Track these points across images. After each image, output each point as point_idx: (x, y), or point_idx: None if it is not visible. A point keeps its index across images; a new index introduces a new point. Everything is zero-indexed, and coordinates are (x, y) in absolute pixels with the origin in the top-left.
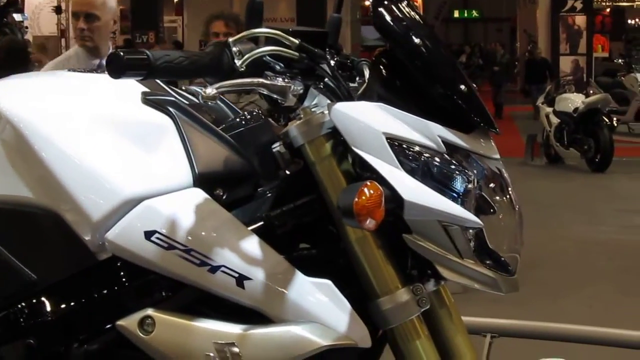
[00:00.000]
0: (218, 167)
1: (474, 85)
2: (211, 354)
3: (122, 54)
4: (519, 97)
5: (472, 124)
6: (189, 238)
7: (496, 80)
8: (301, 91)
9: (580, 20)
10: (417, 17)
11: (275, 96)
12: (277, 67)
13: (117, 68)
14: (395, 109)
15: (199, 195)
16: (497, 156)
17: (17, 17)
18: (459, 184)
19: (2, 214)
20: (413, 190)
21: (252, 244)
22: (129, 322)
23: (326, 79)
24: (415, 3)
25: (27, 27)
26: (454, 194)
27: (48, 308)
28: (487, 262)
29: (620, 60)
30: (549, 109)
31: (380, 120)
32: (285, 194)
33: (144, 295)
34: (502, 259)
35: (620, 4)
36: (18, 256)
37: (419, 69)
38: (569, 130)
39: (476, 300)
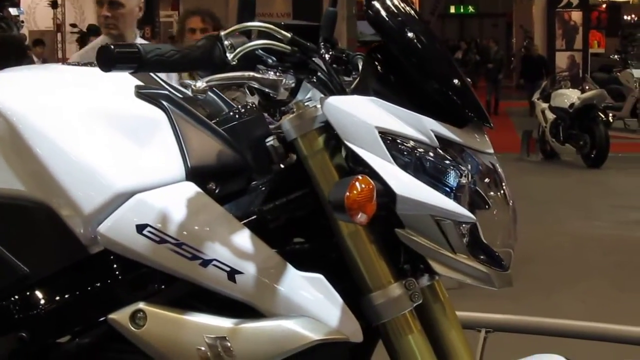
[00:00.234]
0: (211, 160)
1: (469, 80)
2: (202, 348)
3: (112, 47)
4: (515, 93)
5: (466, 119)
6: (181, 232)
7: (491, 76)
8: (293, 85)
9: (576, 16)
10: (412, 12)
11: (266, 90)
12: (270, 61)
13: (107, 61)
14: (388, 103)
15: (192, 189)
16: (491, 151)
17: (13, 11)
18: (452, 179)
19: None
20: (405, 185)
21: (244, 238)
22: (121, 316)
23: (319, 73)
24: None
25: (23, 22)
26: (447, 189)
27: (40, 301)
28: (481, 257)
29: (616, 56)
30: (545, 105)
31: (373, 114)
32: (279, 188)
33: (136, 289)
34: (496, 254)
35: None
36: (10, 249)
37: (413, 65)
38: (564, 126)
39: (471, 296)
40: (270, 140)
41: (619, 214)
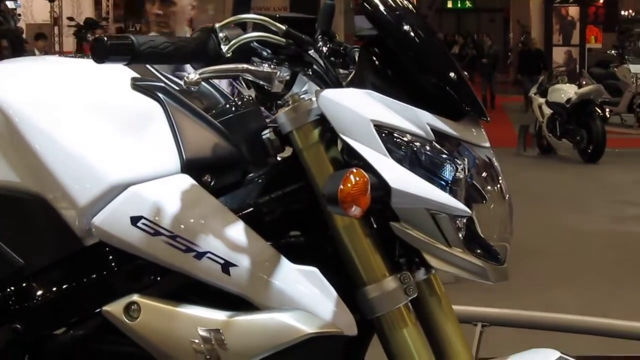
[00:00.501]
0: (206, 153)
1: (465, 74)
2: (196, 340)
3: (105, 39)
4: (512, 88)
5: (462, 112)
6: (175, 224)
7: (485, 71)
8: (287, 77)
9: (573, 11)
10: (409, 6)
11: (261, 82)
12: (264, 54)
13: (100, 53)
14: (384, 96)
15: (186, 181)
16: (488, 144)
17: (10, 4)
18: (447, 172)
19: None
20: (400, 178)
21: (239, 231)
22: (115, 308)
23: (314, 66)
24: None
25: (20, 15)
26: (443, 182)
27: (34, 293)
28: (477, 251)
29: (613, 52)
30: (542, 100)
31: (368, 107)
32: (274, 181)
33: (130, 281)
34: (492, 247)
35: None
36: (5, 241)
37: (410, 58)
38: (561, 121)
39: (467, 290)
40: (267, 133)
41: (615, 209)
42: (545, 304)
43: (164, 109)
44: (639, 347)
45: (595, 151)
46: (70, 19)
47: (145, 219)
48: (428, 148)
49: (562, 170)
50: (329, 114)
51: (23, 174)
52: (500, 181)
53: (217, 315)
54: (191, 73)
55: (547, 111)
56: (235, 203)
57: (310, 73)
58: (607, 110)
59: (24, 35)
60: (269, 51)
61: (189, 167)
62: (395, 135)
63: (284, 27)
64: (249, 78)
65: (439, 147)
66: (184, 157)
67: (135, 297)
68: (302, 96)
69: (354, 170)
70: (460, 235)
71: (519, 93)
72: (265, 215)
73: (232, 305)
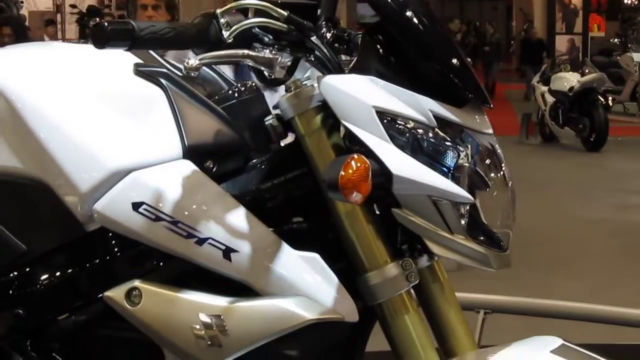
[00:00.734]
0: (208, 139)
1: (469, 60)
2: (197, 326)
3: (106, 24)
4: (514, 76)
5: (465, 99)
6: (177, 210)
7: (487, 60)
8: (289, 63)
9: None
10: None
11: (262, 68)
12: (266, 40)
13: (100, 38)
14: (386, 82)
15: (188, 167)
16: (491, 131)
17: None
18: (449, 159)
19: None
20: (402, 164)
21: (240, 217)
22: (116, 293)
23: (316, 52)
24: None
25: (22, 2)
26: (445, 169)
27: (37, 278)
28: (480, 238)
29: (616, 40)
30: (545, 88)
31: (370, 93)
32: (277, 167)
33: (132, 266)
34: (495, 234)
35: None
36: (7, 226)
37: (413, 45)
38: (564, 109)
39: (470, 277)
40: (269, 119)
41: (617, 197)
42: (548, 291)
43: (166, 95)
44: None
45: (597, 139)
46: (73, 6)
47: (147, 204)
48: (430, 134)
49: (564, 159)
50: (331, 100)
51: (25, 159)
52: (503, 168)
53: (218, 301)
54: (191, 58)
55: (550, 99)
56: (237, 189)
57: (312, 59)
58: (610, 98)
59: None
60: (271, 37)
61: (191, 153)
62: (397, 121)
63: (285, 13)
64: (250, 64)
65: (441, 133)
66: (186, 143)
67: (137, 283)
68: (304, 82)
69: (355, 156)
70: (462, 222)
71: (521, 81)
72: (267, 202)
73: (233, 291)
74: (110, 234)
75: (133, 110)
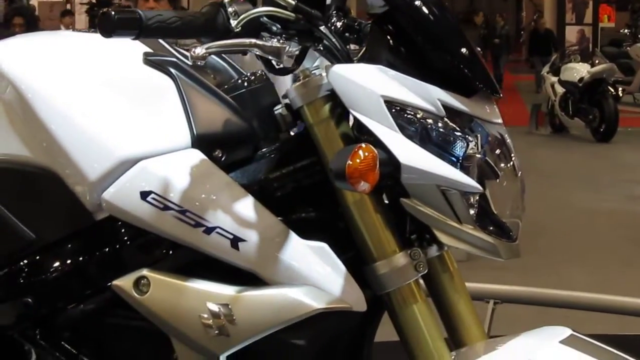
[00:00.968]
0: (217, 128)
1: (478, 49)
2: (205, 315)
3: (113, 13)
4: (524, 66)
5: (475, 89)
6: (185, 199)
7: (496, 52)
8: (297, 53)
9: None
10: None
11: (269, 57)
12: (274, 29)
13: (107, 27)
14: (394, 71)
15: (197, 156)
16: (500, 121)
17: None
18: (458, 149)
19: (1, 173)
20: (410, 154)
21: (248, 206)
22: (124, 282)
23: (325, 41)
24: None
25: None
26: (453, 159)
27: (45, 267)
28: (490, 228)
29: (626, 31)
30: (554, 79)
31: (378, 82)
32: (286, 156)
33: (140, 255)
34: (505, 224)
35: None
36: (17, 215)
37: (422, 35)
38: (574, 100)
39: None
40: (279, 109)
41: (627, 188)
42: (557, 281)
43: (175, 84)
44: None
45: (607, 130)
46: None
47: (155, 193)
48: (439, 124)
49: (574, 149)
50: (339, 89)
51: (34, 148)
52: (513, 158)
53: (226, 290)
54: (198, 47)
55: (560, 90)
56: (246, 178)
57: (321, 48)
58: (620, 89)
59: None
60: (279, 26)
61: (200, 142)
62: (406, 111)
63: (293, 2)
64: (257, 53)
65: (450, 123)
66: (195, 132)
67: (145, 272)
68: (313, 71)
69: (363, 145)
70: (471, 211)
71: (531, 72)
72: (276, 191)
73: (241, 280)
74: (119, 223)
75: (142, 100)
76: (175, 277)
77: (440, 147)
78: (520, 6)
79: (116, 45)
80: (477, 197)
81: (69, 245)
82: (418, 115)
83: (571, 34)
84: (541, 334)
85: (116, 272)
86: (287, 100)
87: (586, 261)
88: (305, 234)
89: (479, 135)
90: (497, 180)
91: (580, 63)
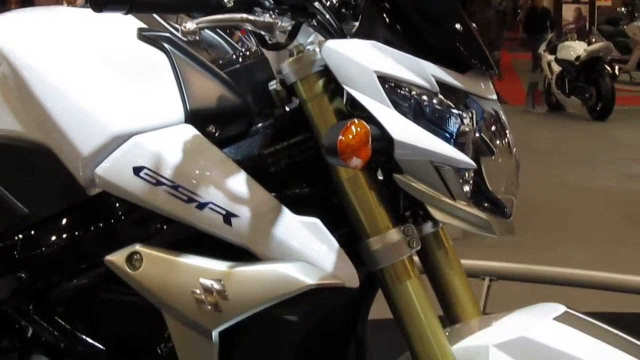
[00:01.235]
0: (211, 103)
1: (474, 25)
2: (197, 291)
3: None
4: (520, 45)
5: (470, 65)
6: (177, 174)
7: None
8: (289, 28)
9: None
10: None
11: (262, 32)
12: (267, 4)
13: (98, 2)
14: (388, 47)
15: (190, 131)
16: (494, 97)
17: None
18: (452, 125)
19: None
20: (403, 130)
21: (241, 182)
22: (117, 258)
23: (318, 16)
24: None
25: None
26: (447, 135)
27: (39, 242)
28: (485, 204)
29: (623, 9)
30: (551, 57)
31: (371, 58)
32: (280, 132)
33: (133, 231)
34: (500, 201)
35: None
36: (10, 190)
37: (416, 10)
38: (570, 78)
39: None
40: (273, 84)
41: (623, 166)
42: (553, 259)
43: (169, 60)
44: None
45: (604, 109)
46: None
47: (148, 169)
48: (432, 100)
49: (570, 128)
50: (332, 64)
51: (28, 123)
52: (508, 134)
53: (219, 266)
54: (188, 22)
55: (556, 68)
56: (239, 154)
57: (315, 24)
58: (616, 67)
59: None
60: (271, 1)
61: (193, 117)
62: (400, 87)
63: None
64: (249, 28)
65: (444, 99)
66: (188, 107)
67: (138, 247)
68: (306, 47)
69: (355, 121)
70: (466, 188)
71: (528, 50)
72: (270, 167)
73: (234, 256)
74: (112, 198)
75: (136, 75)
76: (168, 253)
77: (434, 123)
78: None
79: (111, 20)
80: (472, 174)
81: (63, 221)
82: (412, 91)
83: (568, 12)
84: (535, 310)
85: (109, 247)
86: (282, 76)
87: (582, 239)
88: (298, 210)
89: (474, 112)
90: (492, 157)
91: (577, 41)
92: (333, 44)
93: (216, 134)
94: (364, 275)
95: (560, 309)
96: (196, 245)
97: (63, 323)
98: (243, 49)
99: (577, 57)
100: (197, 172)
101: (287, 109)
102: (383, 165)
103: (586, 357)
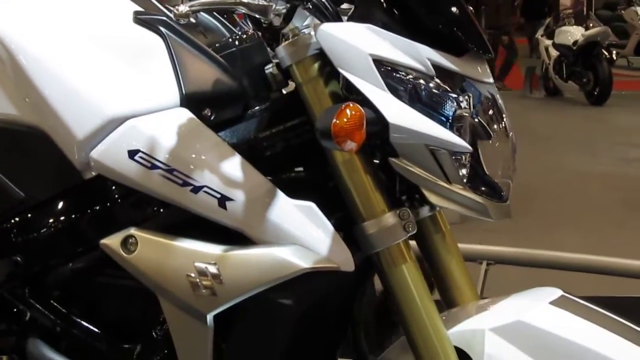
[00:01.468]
0: (207, 87)
1: (470, 9)
2: (192, 274)
3: None
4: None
5: (466, 49)
6: (172, 158)
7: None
8: (284, 10)
9: None
10: None
11: (256, 15)
12: None
13: None
14: (384, 30)
15: (185, 115)
16: (491, 80)
17: None
18: (448, 108)
19: None
20: (399, 113)
21: (236, 165)
22: (112, 241)
23: None
24: None
25: None
26: (443, 118)
27: (34, 226)
28: (482, 188)
29: None
30: (549, 42)
31: (367, 41)
32: (276, 115)
33: (128, 214)
34: (496, 184)
35: None
36: (5, 174)
37: None
38: (568, 63)
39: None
40: (269, 68)
41: (620, 151)
42: (551, 243)
43: (165, 43)
44: None
45: (601, 94)
46: None
47: (143, 152)
48: (428, 84)
49: (568, 112)
50: (328, 48)
51: (23, 106)
52: (504, 118)
53: (214, 249)
54: (182, 5)
55: (554, 53)
56: (235, 137)
57: (310, 7)
58: (614, 52)
59: None
60: None
61: (189, 100)
62: (395, 70)
63: None
64: (243, 11)
65: (440, 83)
66: (184, 91)
67: (133, 231)
68: (302, 30)
69: (350, 104)
70: (463, 171)
71: (525, 35)
72: (265, 150)
73: (229, 239)
74: (107, 182)
75: (131, 58)
76: (163, 236)
77: (430, 106)
78: None
79: (107, 4)
80: (469, 157)
81: (58, 204)
82: (407, 75)
83: None
84: (532, 294)
85: (105, 230)
86: (278, 60)
87: (579, 223)
88: (294, 194)
89: (470, 95)
90: (489, 140)
91: (575, 26)
92: (328, 27)
93: (212, 118)
94: (359, 259)
95: (557, 293)
96: (191, 229)
97: (59, 307)
98: (240, 32)
99: (575, 42)
100: (192, 155)
101: (284, 92)
102: (379, 149)
103: (582, 341)
